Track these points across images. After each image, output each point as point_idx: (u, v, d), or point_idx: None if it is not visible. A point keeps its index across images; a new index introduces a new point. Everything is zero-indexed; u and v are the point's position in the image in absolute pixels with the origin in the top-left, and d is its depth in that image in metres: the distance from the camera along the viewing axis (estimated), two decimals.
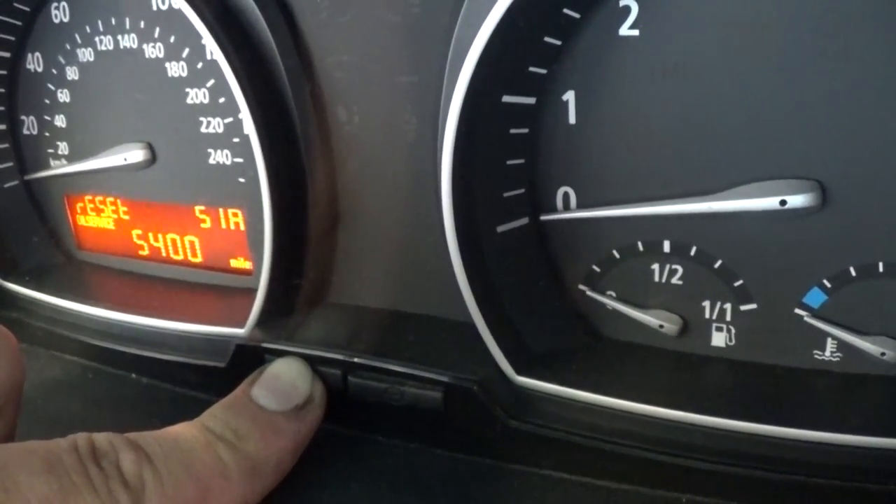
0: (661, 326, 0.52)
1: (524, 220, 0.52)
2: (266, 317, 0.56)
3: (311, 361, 0.52)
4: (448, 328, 0.55)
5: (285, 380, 0.49)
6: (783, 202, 0.46)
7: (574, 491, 0.49)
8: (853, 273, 0.48)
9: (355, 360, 0.52)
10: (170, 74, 0.60)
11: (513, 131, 0.50)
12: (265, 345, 0.54)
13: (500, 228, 0.51)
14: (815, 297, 0.49)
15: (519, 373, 0.51)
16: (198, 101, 0.60)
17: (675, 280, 0.51)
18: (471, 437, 0.51)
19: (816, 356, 0.50)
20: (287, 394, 0.49)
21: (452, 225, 0.48)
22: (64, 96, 0.67)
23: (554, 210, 0.52)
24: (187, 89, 0.60)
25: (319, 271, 0.57)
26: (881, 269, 0.47)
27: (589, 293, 0.53)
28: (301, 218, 0.55)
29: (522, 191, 0.51)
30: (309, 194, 0.54)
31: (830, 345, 0.50)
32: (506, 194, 0.51)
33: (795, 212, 0.46)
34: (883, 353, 0.48)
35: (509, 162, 0.50)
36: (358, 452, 0.52)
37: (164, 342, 0.60)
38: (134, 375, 0.62)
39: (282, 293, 0.56)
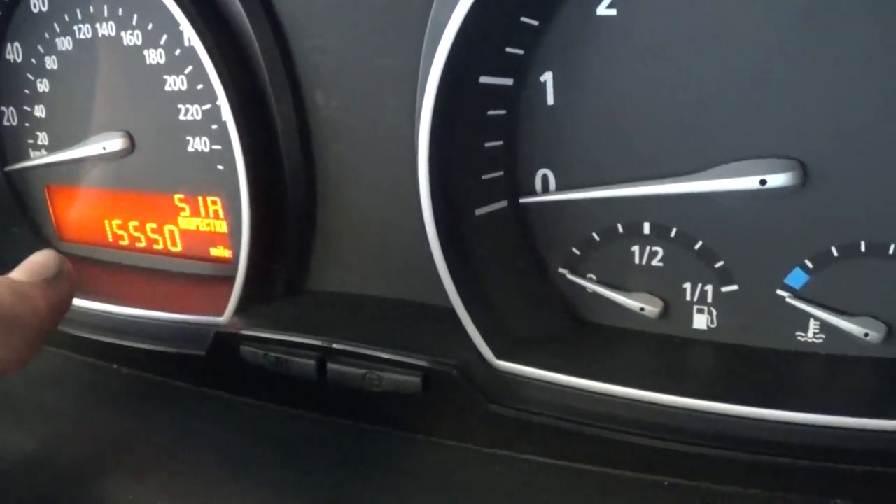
0: (642, 309, 0.51)
1: (503, 203, 0.51)
2: (245, 304, 0.55)
3: (290, 347, 0.52)
4: (429, 314, 0.54)
5: (37, 260, 0.51)
6: (763, 181, 0.45)
7: (557, 476, 0.48)
8: (835, 253, 0.47)
9: (334, 345, 0.51)
10: (148, 62, 0.60)
11: (490, 113, 0.49)
12: (244, 332, 0.54)
13: (479, 211, 0.50)
14: (797, 278, 0.48)
15: (499, 357, 0.50)
16: (176, 89, 0.59)
17: (655, 262, 0.51)
18: (452, 422, 0.51)
19: (799, 338, 0.50)
20: (37, 270, 0.50)
21: (430, 207, 0.48)
22: (43, 86, 0.67)
23: (533, 192, 0.52)
24: (165, 76, 0.59)
25: (298, 258, 0.57)
26: (863, 248, 0.46)
27: (569, 276, 0.53)
28: (279, 204, 0.54)
29: (501, 173, 0.51)
30: (287, 180, 0.54)
31: (813, 326, 0.49)
32: (484, 177, 0.50)
33: (776, 191, 0.46)
34: (866, 334, 0.48)
35: (487, 144, 0.50)
36: (338, 440, 0.52)
37: (144, 332, 0.60)
38: (115, 366, 0.61)
39: (261, 280, 0.56)
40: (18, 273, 0.50)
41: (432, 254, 0.49)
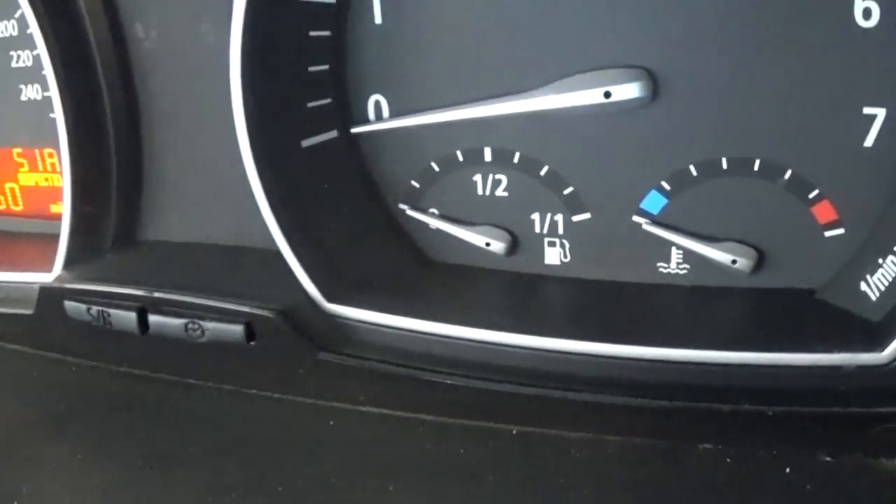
0: (488, 244, 0.48)
1: (333, 133, 0.48)
2: (74, 256, 0.52)
3: (111, 299, 0.48)
4: (259, 258, 0.50)
5: None
6: (608, 94, 0.42)
7: (397, 428, 0.45)
8: (694, 172, 0.44)
9: (155, 294, 0.47)
10: None
11: (313, 34, 0.46)
12: (68, 286, 0.50)
13: (306, 143, 0.47)
14: (654, 202, 0.45)
15: (330, 300, 0.46)
16: (7, 35, 0.56)
17: (499, 192, 0.47)
18: (280, 374, 0.47)
19: (661, 269, 0.46)
20: None
21: (248, 140, 0.44)
22: None
23: (366, 121, 0.48)
24: None
25: (126, 207, 0.53)
26: (724, 165, 0.43)
27: (409, 212, 0.49)
28: (103, 150, 0.51)
29: (329, 100, 0.48)
30: (110, 124, 0.50)
31: (676, 255, 0.46)
32: (310, 104, 0.47)
33: (624, 105, 0.42)
34: (734, 261, 0.44)
35: (312, 68, 0.46)
36: (161, 397, 0.48)
37: None
38: None
39: (88, 232, 0.52)
40: None
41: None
